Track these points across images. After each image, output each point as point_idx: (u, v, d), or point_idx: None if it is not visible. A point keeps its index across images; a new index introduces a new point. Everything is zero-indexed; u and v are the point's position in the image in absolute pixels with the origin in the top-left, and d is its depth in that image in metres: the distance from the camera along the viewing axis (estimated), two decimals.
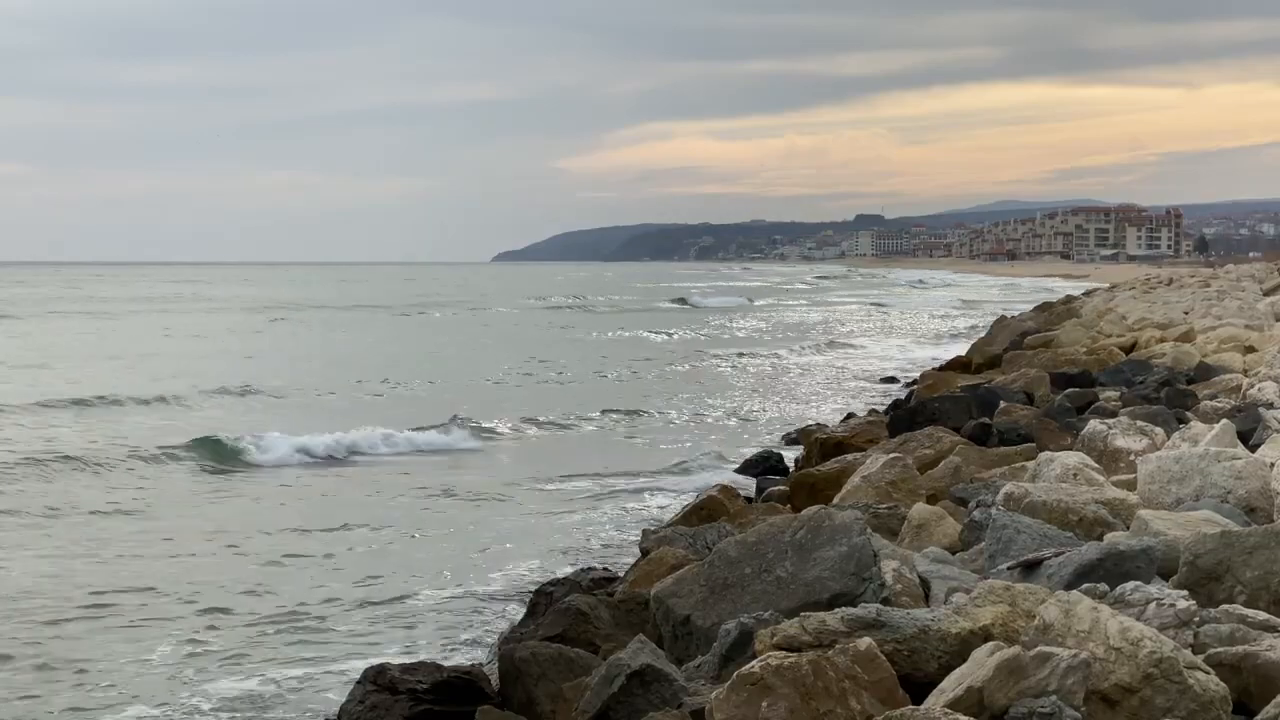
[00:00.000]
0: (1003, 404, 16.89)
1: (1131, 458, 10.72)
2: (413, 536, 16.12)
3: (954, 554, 8.58)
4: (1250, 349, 21.74)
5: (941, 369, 29.45)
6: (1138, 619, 6.07)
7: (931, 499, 10.97)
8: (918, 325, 65.10)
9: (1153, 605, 6.31)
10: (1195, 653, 5.94)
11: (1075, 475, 9.68)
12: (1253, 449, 10.61)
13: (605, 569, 12.07)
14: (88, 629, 12.08)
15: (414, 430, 24.18)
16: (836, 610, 6.54)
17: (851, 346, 49.96)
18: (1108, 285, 69.90)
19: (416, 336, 58.87)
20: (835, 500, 11.26)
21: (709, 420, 27.48)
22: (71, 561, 14.62)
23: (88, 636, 11.83)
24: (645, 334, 58.99)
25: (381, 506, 18.23)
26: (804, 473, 14.94)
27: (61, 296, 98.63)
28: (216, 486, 19.88)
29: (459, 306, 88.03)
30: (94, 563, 14.59)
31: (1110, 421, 12.09)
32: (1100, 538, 7.87)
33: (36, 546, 15.36)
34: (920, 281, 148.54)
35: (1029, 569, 7.23)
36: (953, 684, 5.81)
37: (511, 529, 16.42)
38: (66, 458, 21.04)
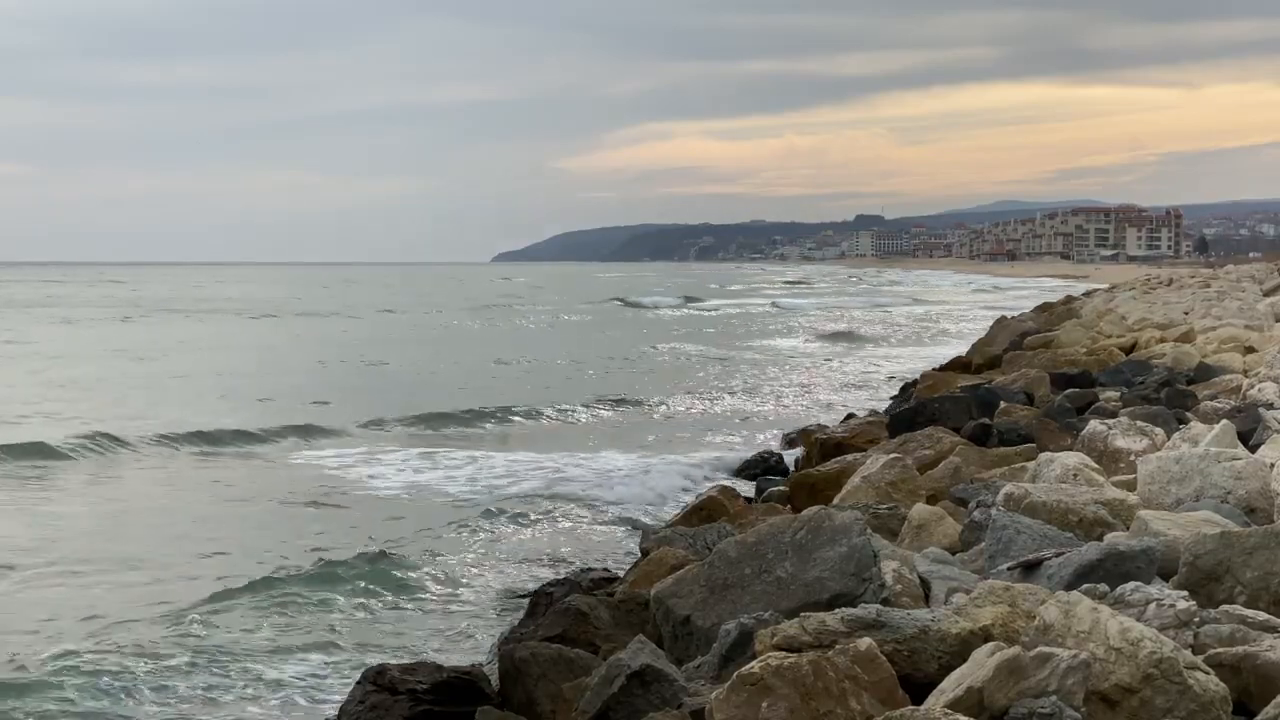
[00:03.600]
0: (1003, 404, 16.89)
1: (1131, 458, 10.72)
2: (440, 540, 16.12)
3: (954, 554, 8.58)
4: (1250, 349, 21.73)
5: (941, 369, 29.44)
6: (1138, 619, 6.07)
7: (931, 499, 10.96)
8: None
9: (1153, 606, 6.31)
10: (1195, 653, 5.94)
11: (1075, 476, 9.68)
12: (1253, 449, 10.61)
13: (605, 569, 12.07)
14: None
15: None
16: (836, 610, 6.54)
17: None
18: (1108, 286, 69.74)
19: (612, 341, 55.34)
20: (835, 501, 11.26)
21: None
22: None
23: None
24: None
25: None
26: (804, 473, 14.95)
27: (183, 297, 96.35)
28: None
29: (560, 308, 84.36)
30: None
31: (1110, 422, 12.09)
32: (1100, 538, 7.87)
33: None
34: (994, 287, 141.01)
35: (1029, 569, 7.24)
36: (953, 684, 5.81)
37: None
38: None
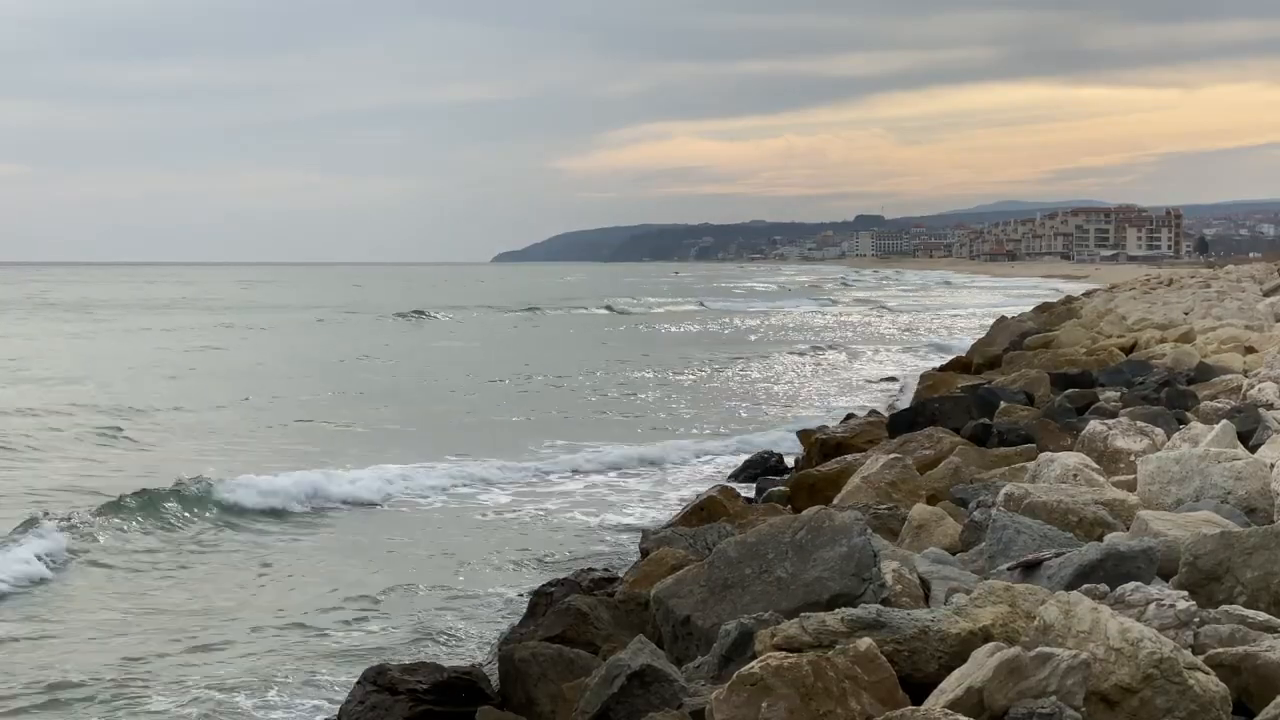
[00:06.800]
0: (1003, 404, 16.88)
1: (1132, 458, 10.72)
2: (413, 536, 16.13)
3: (954, 554, 8.57)
4: (1250, 349, 21.71)
5: (942, 369, 29.43)
6: (1138, 619, 6.07)
7: (931, 499, 10.96)
8: None
9: (1153, 606, 6.31)
10: (1195, 653, 5.94)
11: (1075, 476, 9.68)
12: (1253, 449, 10.61)
13: (605, 569, 12.07)
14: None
15: None
16: (837, 611, 6.54)
17: None
18: (1108, 286, 69.65)
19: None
20: (835, 501, 11.26)
21: None
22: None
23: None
24: None
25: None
26: (804, 473, 14.95)
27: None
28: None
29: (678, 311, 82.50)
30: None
31: (1110, 422, 12.09)
32: (1100, 538, 7.87)
33: None
34: (1052, 289, 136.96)
35: (1029, 569, 7.24)
36: (953, 684, 5.81)
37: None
38: None
